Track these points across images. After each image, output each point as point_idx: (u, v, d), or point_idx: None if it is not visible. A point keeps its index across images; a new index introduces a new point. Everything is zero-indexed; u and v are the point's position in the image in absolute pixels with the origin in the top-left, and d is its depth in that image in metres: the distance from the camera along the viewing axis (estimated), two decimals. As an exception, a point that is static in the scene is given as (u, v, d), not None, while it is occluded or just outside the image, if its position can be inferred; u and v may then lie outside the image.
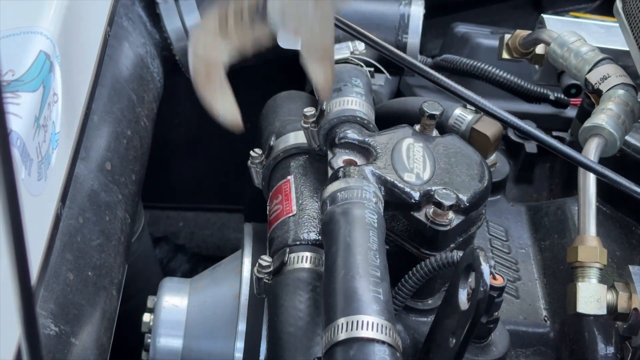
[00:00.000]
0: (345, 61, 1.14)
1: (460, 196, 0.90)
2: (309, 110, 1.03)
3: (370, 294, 0.72)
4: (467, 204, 0.91)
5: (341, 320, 0.71)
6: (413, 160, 0.94)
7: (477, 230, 0.96)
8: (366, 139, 0.97)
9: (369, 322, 0.70)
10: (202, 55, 0.69)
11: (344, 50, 1.16)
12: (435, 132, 1.01)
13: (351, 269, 0.75)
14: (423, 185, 0.91)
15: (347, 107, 1.02)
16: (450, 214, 0.89)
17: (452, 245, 0.92)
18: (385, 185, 0.90)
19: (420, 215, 0.90)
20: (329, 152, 0.99)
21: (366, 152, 0.96)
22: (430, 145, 0.97)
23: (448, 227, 0.89)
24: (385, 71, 1.24)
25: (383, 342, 0.69)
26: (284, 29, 0.67)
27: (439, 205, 0.88)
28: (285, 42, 1.22)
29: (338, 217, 0.81)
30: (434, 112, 1.00)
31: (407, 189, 0.90)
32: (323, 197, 0.87)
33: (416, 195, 0.90)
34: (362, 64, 1.16)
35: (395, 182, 0.91)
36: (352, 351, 0.69)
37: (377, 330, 0.70)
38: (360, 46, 1.19)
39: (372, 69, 1.23)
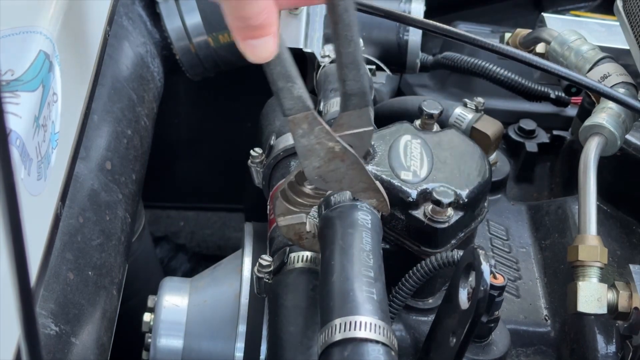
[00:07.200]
0: None
1: (459, 192, 0.90)
2: None
3: (364, 294, 0.72)
4: (466, 200, 0.90)
5: (336, 321, 0.71)
6: (410, 158, 0.93)
7: (479, 226, 0.95)
8: None
9: (362, 322, 0.70)
10: (285, 223, 0.85)
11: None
12: (436, 127, 1.01)
13: (344, 270, 0.74)
14: (420, 182, 0.90)
15: None
16: (449, 211, 0.88)
17: (453, 242, 0.91)
18: (382, 184, 0.90)
19: (418, 214, 0.89)
20: None
21: None
22: (429, 140, 0.96)
23: (447, 224, 0.88)
24: (386, 69, 1.23)
25: (377, 342, 0.69)
26: (326, 186, 0.81)
27: (437, 203, 0.87)
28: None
29: (332, 222, 0.80)
30: (432, 112, 0.99)
31: (404, 188, 0.90)
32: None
33: (413, 193, 0.89)
34: None
35: (392, 181, 0.90)
36: (347, 352, 0.69)
37: (370, 330, 0.70)
38: (360, 43, 1.18)
39: (373, 67, 1.23)
